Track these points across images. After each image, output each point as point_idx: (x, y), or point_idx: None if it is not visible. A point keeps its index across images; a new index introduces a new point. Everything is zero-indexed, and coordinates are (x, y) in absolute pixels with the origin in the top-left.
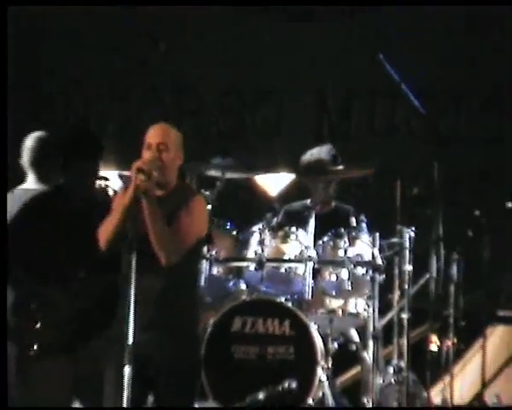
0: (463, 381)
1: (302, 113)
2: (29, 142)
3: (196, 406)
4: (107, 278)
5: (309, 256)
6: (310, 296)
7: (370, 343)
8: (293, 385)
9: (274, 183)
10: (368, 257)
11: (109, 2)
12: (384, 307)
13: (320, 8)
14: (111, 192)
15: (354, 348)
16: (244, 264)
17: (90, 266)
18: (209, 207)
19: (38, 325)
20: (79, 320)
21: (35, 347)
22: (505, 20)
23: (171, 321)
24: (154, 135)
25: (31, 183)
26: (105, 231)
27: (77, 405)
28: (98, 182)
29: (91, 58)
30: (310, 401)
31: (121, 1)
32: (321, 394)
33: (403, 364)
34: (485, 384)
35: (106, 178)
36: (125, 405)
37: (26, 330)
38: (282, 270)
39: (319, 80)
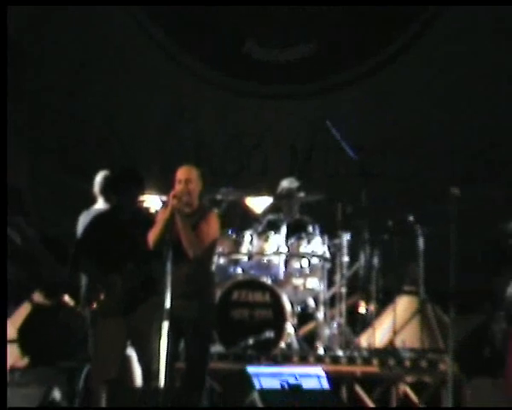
0: (381, 331)
1: (280, 160)
2: (98, 178)
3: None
4: (149, 267)
5: (281, 251)
6: (282, 277)
7: (321, 307)
8: (272, 335)
9: (258, 203)
10: (320, 252)
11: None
12: (330, 284)
13: (294, 92)
14: (152, 210)
15: (311, 310)
16: (239, 256)
17: (136, 259)
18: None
19: (102, 297)
20: (130, 294)
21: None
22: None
23: (196, 293)
24: (182, 173)
25: (100, 204)
26: (152, 236)
27: (130, 349)
28: (143, 203)
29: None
30: (282, 345)
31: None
32: (289, 340)
33: (342, 321)
34: (395, 333)
35: (146, 201)
36: (164, 348)
37: (95, 301)
38: (265, 260)
39: (292, 140)
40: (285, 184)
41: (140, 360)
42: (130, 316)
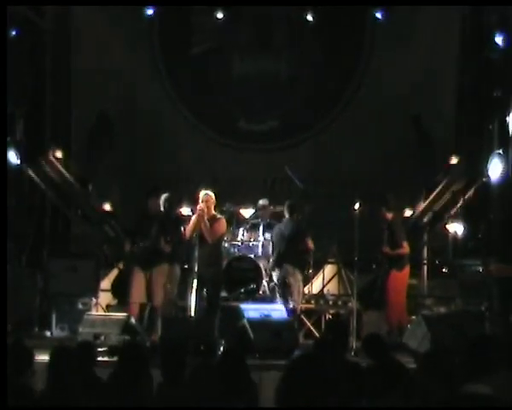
0: (316, 285)
1: (257, 187)
2: (162, 198)
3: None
4: (184, 246)
5: (259, 240)
6: (260, 254)
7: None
8: (254, 286)
9: (247, 213)
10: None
11: None
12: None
13: (266, 148)
14: (184, 214)
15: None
16: (236, 242)
17: (176, 240)
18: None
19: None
20: (150, 256)
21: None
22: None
23: (212, 262)
24: (203, 195)
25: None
26: (188, 230)
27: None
28: (181, 211)
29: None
30: (260, 292)
31: None
32: (264, 289)
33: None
34: (324, 286)
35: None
36: (193, 296)
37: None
38: (250, 245)
39: (264, 175)
40: (261, 202)
41: (150, 300)
42: (148, 272)
